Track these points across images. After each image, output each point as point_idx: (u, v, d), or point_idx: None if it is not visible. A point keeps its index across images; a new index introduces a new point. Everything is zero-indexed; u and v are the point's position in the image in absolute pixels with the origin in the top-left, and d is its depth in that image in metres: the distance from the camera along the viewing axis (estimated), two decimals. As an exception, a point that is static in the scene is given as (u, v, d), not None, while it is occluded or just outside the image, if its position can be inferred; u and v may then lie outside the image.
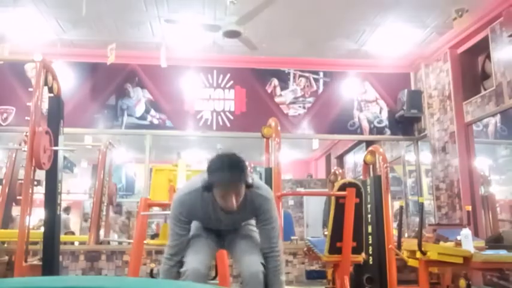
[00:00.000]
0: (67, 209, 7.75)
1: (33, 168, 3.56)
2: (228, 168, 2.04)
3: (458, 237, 3.63)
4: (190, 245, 2.25)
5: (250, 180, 2.12)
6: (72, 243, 6.10)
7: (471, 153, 5.50)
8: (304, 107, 6.35)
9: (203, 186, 2.11)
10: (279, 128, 4.06)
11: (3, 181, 5.47)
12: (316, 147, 9.69)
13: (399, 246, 4.14)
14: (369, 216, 4.47)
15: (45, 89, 3.86)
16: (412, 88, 6.38)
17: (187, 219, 2.23)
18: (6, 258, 4.27)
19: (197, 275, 2.07)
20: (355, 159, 8.75)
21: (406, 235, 5.85)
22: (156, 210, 4.76)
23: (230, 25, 4.56)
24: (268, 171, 3.91)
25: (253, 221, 2.41)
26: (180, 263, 2.19)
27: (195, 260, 2.14)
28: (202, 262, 2.15)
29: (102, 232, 6.29)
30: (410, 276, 4.87)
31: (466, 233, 3.58)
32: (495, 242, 4.00)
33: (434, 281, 4.58)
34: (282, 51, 6.11)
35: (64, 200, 6.02)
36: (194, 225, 2.36)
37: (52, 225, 3.75)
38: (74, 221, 8.90)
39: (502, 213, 5.84)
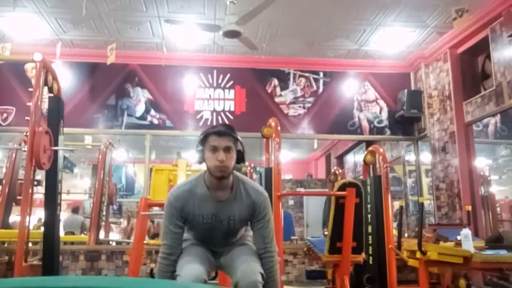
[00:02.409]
0: (76, 210, 7.57)
1: (33, 168, 3.56)
2: (220, 125, 2.17)
3: (458, 237, 3.64)
4: (184, 257, 2.16)
5: (241, 147, 2.16)
6: (72, 243, 6.09)
7: (471, 153, 5.50)
8: (304, 107, 6.35)
9: (197, 158, 2.15)
10: (279, 128, 4.05)
11: (3, 181, 5.47)
12: (315, 146, 9.70)
13: (399, 246, 4.14)
14: (369, 216, 4.47)
15: (45, 89, 3.86)
16: (412, 88, 6.38)
17: (181, 215, 2.16)
18: (6, 258, 4.27)
19: None
20: (355, 159, 8.75)
21: (406, 235, 5.85)
22: (156, 210, 4.75)
23: (230, 25, 4.55)
24: (268, 171, 3.90)
25: (249, 233, 2.34)
26: (176, 263, 2.14)
27: (189, 273, 2.04)
28: (197, 276, 2.03)
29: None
30: (410, 276, 4.88)
31: (466, 233, 3.58)
32: (495, 242, 4.00)
33: (434, 281, 4.58)
34: (282, 51, 6.11)
35: (64, 199, 6.02)
36: (188, 237, 2.30)
37: (52, 225, 3.75)
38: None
39: (502, 213, 5.85)
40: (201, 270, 2.07)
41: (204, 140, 2.12)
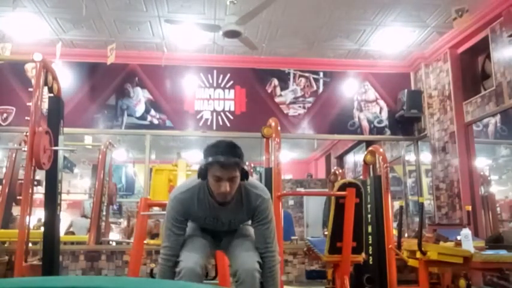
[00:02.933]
0: (86, 216, 7.64)
1: (33, 168, 3.55)
2: (225, 150, 2.05)
3: (458, 237, 3.64)
4: (186, 245, 2.21)
5: (245, 167, 2.12)
6: (72, 243, 6.09)
7: (471, 153, 5.50)
8: (304, 107, 6.35)
9: (198, 173, 2.11)
10: (279, 128, 4.05)
11: (3, 181, 5.47)
12: (315, 146, 9.69)
13: (399, 246, 4.14)
14: (369, 216, 4.47)
15: (45, 89, 3.86)
16: (412, 88, 6.38)
17: (183, 218, 2.19)
18: (6, 258, 4.26)
19: (192, 275, 2.05)
20: (355, 159, 8.75)
21: (406, 235, 5.85)
22: (156, 210, 4.75)
23: (230, 25, 4.56)
24: (268, 171, 3.90)
25: (250, 222, 2.37)
26: (177, 264, 2.16)
27: (190, 259, 2.10)
28: (197, 262, 2.10)
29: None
30: (410, 276, 4.87)
31: (466, 233, 3.58)
32: (495, 242, 4.00)
33: (434, 281, 4.58)
34: (282, 51, 6.11)
35: (64, 199, 6.02)
36: (190, 225, 2.32)
37: (52, 225, 3.75)
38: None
39: (502, 213, 5.85)
40: (201, 259, 2.14)
41: (207, 164, 2.06)
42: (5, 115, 5.78)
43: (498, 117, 5.64)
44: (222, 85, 6.28)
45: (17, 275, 3.35)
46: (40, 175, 4.02)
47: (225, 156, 2.02)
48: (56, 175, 3.82)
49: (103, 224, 6.29)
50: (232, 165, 2.03)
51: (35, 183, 3.91)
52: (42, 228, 3.81)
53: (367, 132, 6.38)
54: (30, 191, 3.60)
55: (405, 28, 5.47)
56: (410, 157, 6.60)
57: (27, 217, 3.53)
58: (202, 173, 2.10)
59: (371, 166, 4.85)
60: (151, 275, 4.71)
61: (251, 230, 2.34)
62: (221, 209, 2.18)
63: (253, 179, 2.35)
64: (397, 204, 5.60)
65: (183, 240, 2.23)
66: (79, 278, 2.33)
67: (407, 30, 5.52)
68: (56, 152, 3.81)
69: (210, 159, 2.04)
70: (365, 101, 6.45)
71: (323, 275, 5.18)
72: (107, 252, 5.63)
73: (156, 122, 6.12)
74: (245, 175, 2.13)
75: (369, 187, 4.57)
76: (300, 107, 6.35)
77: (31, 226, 3.87)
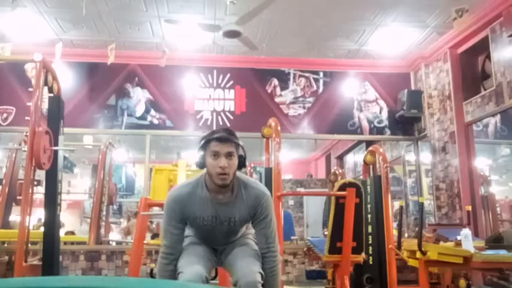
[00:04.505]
0: None
1: (33, 168, 3.56)
2: (221, 130, 2.13)
3: (458, 237, 3.64)
4: (186, 256, 2.16)
5: (242, 152, 2.13)
6: (72, 243, 6.09)
7: (471, 153, 5.50)
8: (304, 107, 6.35)
9: (196, 162, 2.13)
10: (279, 128, 4.05)
11: (3, 181, 5.47)
12: (315, 147, 9.68)
13: (399, 246, 4.14)
14: (369, 216, 4.47)
15: (45, 89, 3.86)
16: (412, 88, 6.38)
17: (180, 217, 2.15)
18: (6, 258, 4.26)
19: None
20: (355, 159, 8.75)
21: (406, 235, 5.85)
22: (156, 210, 4.75)
23: (230, 25, 4.56)
24: (268, 171, 3.90)
25: (250, 230, 2.34)
26: (176, 262, 2.14)
27: (190, 271, 2.05)
28: (198, 273, 2.04)
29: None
30: (410, 276, 4.88)
31: (466, 233, 3.58)
32: (495, 242, 4.01)
33: (434, 281, 4.58)
34: (282, 51, 6.11)
35: (64, 199, 6.02)
36: (188, 237, 2.29)
37: (52, 225, 3.75)
38: (74, 221, 8.92)
39: (502, 213, 5.85)
40: (202, 269, 2.08)
41: (205, 146, 2.09)
42: (5, 115, 5.78)
43: (498, 117, 5.64)
44: (222, 85, 6.28)
45: (17, 275, 3.35)
46: (40, 175, 4.02)
47: (221, 132, 2.09)
48: (56, 175, 3.82)
49: (103, 224, 6.29)
50: (229, 140, 2.07)
51: (35, 183, 3.91)
52: (42, 228, 3.81)
53: (367, 132, 6.38)
54: (30, 191, 3.60)
55: (405, 28, 5.47)
56: (410, 157, 6.59)
57: (27, 217, 3.53)
58: (201, 159, 2.12)
59: (371, 166, 4.85)
60: (151, 275, 4.71)
61: (251, 238, 2.31)
62: (220, 207, 2.15)
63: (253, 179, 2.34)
64: (397, 204, 5.60)
65: (182, 249, 2.20)
66: (79, 278, 2.33)
67: (407, 30, 5.52)
68: (56, 152, 3.81)
69: (207, 136, 2.10)
70: (365, 101, 6.45)
71: (323, 275, 5.18)
72: (107, 252, 5.62)
73: (156, 122, 6.12)
74: (242, 161, 2.13)
75: (369, 187, 4.57)
76: (300, 107, 6.35)
77: (31, 226, 3.87)
